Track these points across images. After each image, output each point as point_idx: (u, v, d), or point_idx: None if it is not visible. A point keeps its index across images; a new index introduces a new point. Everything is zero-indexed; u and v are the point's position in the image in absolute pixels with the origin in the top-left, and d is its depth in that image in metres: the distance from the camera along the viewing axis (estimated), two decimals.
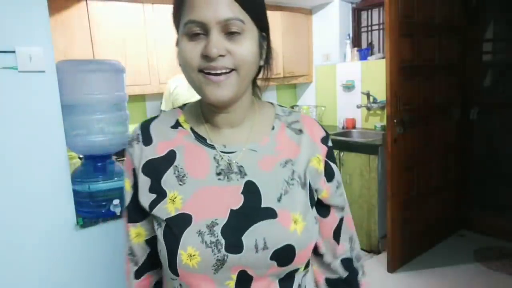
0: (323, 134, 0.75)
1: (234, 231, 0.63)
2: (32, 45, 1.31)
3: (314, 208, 0.71)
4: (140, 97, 3.21)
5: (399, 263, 2.76)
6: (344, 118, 3.74)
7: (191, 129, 0.71)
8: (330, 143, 0.76)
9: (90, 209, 1.50)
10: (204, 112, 0.72)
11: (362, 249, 2.90)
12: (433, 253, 2.96)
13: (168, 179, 0.67)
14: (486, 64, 3.31)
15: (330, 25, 3.80)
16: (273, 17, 3.51)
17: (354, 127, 3.66)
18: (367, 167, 2.94)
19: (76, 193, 1.46)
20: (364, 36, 3.82)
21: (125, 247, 0.76)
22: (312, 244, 0.68)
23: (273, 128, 0.73)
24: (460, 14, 3.04)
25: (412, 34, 2.63)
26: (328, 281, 0.79)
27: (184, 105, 0.77)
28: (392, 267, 2.72)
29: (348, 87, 3.71)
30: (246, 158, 0.69)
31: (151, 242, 0.73)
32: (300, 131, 0.73)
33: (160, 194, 0.67)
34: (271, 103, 0.78)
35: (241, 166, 0.68)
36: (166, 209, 0.65)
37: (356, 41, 3.83)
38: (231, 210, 0.64)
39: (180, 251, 0.62)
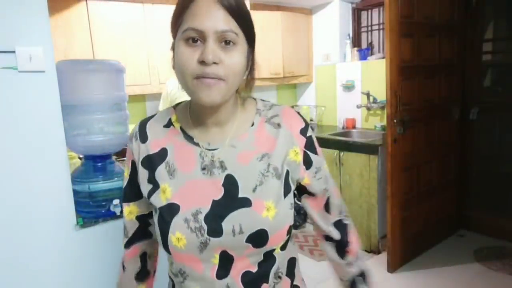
0: (301, 125, 0.81)
1: (215, 219, 0.73)
2: (32, 45, 1.31)
3: (289, 196, 0.78)
4: (140, 97, 3.21)
5: (399, 263, 2.76)
6: (344, 118, 3.74)
7: (181, 128, 0.81)
8: (309, 133, 0.82)
9: (90, 209, 1.50)
10: (193, 113, 0.80)
11: (362, 249, 2.90)
12: (433, 253, 2.96)
13: (160, 173, 0.78)
14: (486, 64, 3.31)
15: (330, 25, 3.80)
16: (273, 17, 3.51)
17: (354, 127, 3.66)
18: (367, 167, 2.94)
19: (76, 193, 1.46)
20: (364, 36, 3.82)
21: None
22: (284, 228, 0.76)
23: (252, 125, 0.80)
24: (460, 14, 3.04)
25: (412, 34, 2.63)
26: (326, 238, 0.91)
27: (178, 104, 0.86)
28: (392, 267, 2.72)
29: (348, 87, 3.71)
30: (226, 154, 0.77)
31: (140, 218, 0.87)
32: (278, 125, 0.80)
33: (155, 185, 0.78)
34: (254, 98, 0.85)
35: (222, 161, 0.76)
36: (160, 199, 0.76)
37: (356, 41, 3.83)
38: (213, 201, 0.74)
39: (170, 234, 0.73)
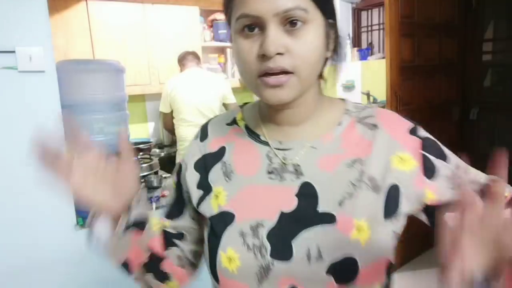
0: (409, 125, 0.62)
1: (283, 236, 0.55)
2: (32, 45, 1.31)
3: (393, 220, 0.58)
4: (140, 97, 3.22)
5: (399, 263, 2.76)
6: None
7: (246, 126, 0.67)
8: (423, 133, 0.62)
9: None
10: (262, 110, 0.66)
11: None
12: (433, 253, 2.95)
13: (214, 174, 0.64)
14: (486, 64, 3.31)
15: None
16: None
17: None
18: None
19: None
20: (364, 36, 3.82)
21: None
22: (380, 261, 0.57)
23: (339, 124, 0.63)
24: (460, 14, 3.04)
25: (412, 34, 2.63)
26: None
27: (245, 103, 0.74)
28: None
29: (348, 87, 3.71)
30: (304, 156, 0.61)
31: (166, 235, 0.69)
32: (374, 126, 0.62)
33: (206, 189, 0.64)
34: (343, 99, 0.69)
35: (298, 165, 0.60)
36: (210, 205, 0.62)
37: (356, 41, 3.83)
38: (282, 213, 0.57)
39: (219, 251, 0.57)
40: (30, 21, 1.30)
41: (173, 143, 3.31)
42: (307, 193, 0.58)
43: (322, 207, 0.56)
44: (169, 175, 2.06)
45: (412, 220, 0.66)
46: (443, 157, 0.62)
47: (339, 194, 0.57)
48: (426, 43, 2.75)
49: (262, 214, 0.58)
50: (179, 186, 0.70)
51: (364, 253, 0.54)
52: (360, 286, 0.54)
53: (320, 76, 0.64)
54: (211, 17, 3.49)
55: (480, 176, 0.63)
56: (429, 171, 0.59)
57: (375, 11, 3.70)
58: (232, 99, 2.80)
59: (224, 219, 0.59)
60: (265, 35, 0.52)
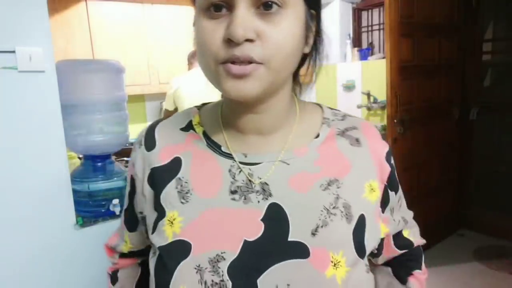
0: (386, 148, 0.57)
1: (246, 271, 0.47)
2: (32, 45, 1.31)
3: (364, 254, 0.52)
4: (140, 97, 3.22)
5: None
6: None
7: (204, 133, 0.57)
8: (392, 160, 0.58)
9: (90, 209, 1.50)
10: (224, 113, 0.56)
11: None
12: (433, 252, 2.96)
13: (168, 194, 0.53)
14: (486, 64, 3.31)
15: (331, 25, 3.80)
16: None
17: None
18: None
19: (75, 192, 1.46)
20: (364, 36, 3.82)
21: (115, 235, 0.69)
22: None
23: (317, 136, 0.55)
24: (460, 14, 3.04)
25: (412, 34, 2.63)
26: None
27: (204, 104, 0.63)
28: None
29: (349, 87, 3.71)
30: (273, 173, 0.52)
31: (138, 254, 0.66)
32: (357, 141, 0.55)
33: (159, 212, 0.53)
34: (318, 105, 0.61)
35: (265, 184, 0.51)
36: (163, 233, 0.51)
37: (356, 41, 3.83)
38: (245, 242, 0.49)
39: None
40: (30, 21, 1.30)
41: None
42: (275, 217, 0.50)
43: (292, 235, 0.48)
44: None
45: None
46: (396, 188, 0.59)
47: (313, 221, 0.49)
48: (426, 43, 2.75)
49: (223, 244, 0.49)
50: (132, 197, 0.61)
51: None
52: None
53: (295, 77, 0.56)
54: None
55: (406, 215, 0.65)
56: (385, 203, 0.56)
57: (376, 11, 3.70)
58: None
59: (179, 250, 0.49)
60: (233, 15, 0.43)
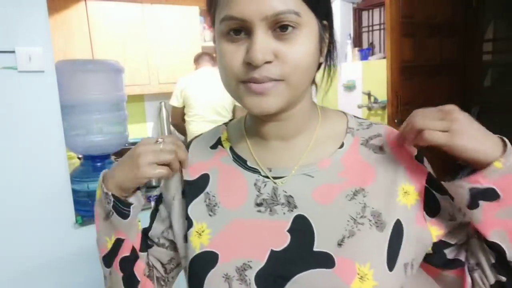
0: (415, 152, 0.56)
1: (273, 280, 0.49)
2: (32, 45, 1.31)
3: (399, 264, 0.50)
4: (139, 97, 3.22)
5: None
6: None
7: (231, 148, 0.60)
8: (426, 163, 0.56)
9: (89, 208, 1.50)
10: (248, 123, 0.59)
11: None
12: None
13: (196, 208, 0.56)
14: (487, 64, 3.31)
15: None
16: None
17: None
18: None
19: (75, 192, 1.46)
20: (365, 36, 3.82)
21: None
22: None
23: (341, 146, 0.55)
24: (460, 14, 3.04)
25: (412, 34, 2.63)
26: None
27: (231, 120, 0.67)
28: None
29: (349, 87, 3.70)
30: (297, 185, 0.53)
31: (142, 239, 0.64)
32: (381, 148, 0.55)
33: (188, 223, 0.56)
34: (343, 113, 0.61)
35: (290, 196, 0.53)
36: (191, 243, 0.54)
37: (357, 41, 3.83)
38: (272, 251, 0.50)
39: None
40: (30, 21, 1.30)
41: None
42: (301, 228, 0.51)
43: (318, 246, 0.49)
44: None
45: None
46: (441, 190, 0.55)
47: (338, 232, 0.49)
48: (426, 43, 2.75)
49: (250, 253, 0.50)
50: (154, 217, 0.64)
51: None
52: None
53: (312, 82, 0.57)
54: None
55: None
56: (432, 208, 0.53)
57: (376, 11, 3.69)
58: None
59: (207, 260, 0.52)
60: (252, 40, 0.46)
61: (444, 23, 2.89)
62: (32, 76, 1.32)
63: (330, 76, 0.57)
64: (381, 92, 3.25)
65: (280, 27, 0.46)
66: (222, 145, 0.61)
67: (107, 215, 0.58)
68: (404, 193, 0.52)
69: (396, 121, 2.57)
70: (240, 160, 0.58)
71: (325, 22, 0.51)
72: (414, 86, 2.70)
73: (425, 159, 0.56)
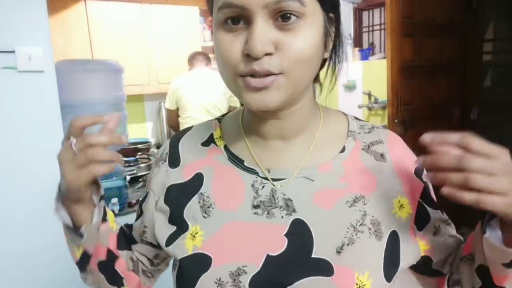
0: (415, 162, 0.53)
1: (268, 286, 0.47)
2: (32, 45, 1.31)
3: (396, 275, 0.50)
4: (139, 97, 3.21)
5: None
6: None
7: (225, 147, 0.56)
8: (425, 176, 0.53)
9: None
10: (246, 120, 0.56)
11: None
12: None
13: (191, 209, 0.53)
14: (487, 64, 3.31)
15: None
16: None
17: None
18: None
19: None
20: (365, 36, 3.82)
21: None
22: None
23: (343, 150, 0.53)
24: (460, 14, 3.04)
25: (413, 34, 2.63)
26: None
27: (224, 115, 0.63)
28: None
29: (350, 87, 3.70)
30: (297, 188, 0.51)
31: (121, 236, 0.62)
32: (382, 156, 0.53)
33: (180, 227, 0.54)
34: (344, 114, 0.59)
35: (289, 199, 0.50)
36: (184, 246, 0.52)
37: (357, 41, 3.83)
38: (268, 256, 0.48)
39: None
40: (30, 21, 1.30)
41: None
42: (299, 233, 0.49)
43: (317, 252, 0.47)
44: None
45: None
46: (433, 204, 0.54)
47: (338, 239, 0.48)
48: (426, 43, 2.75)
49: (245, 257, 0.48)
50: (141, 217, 0.61)
51: None
52: None
53: (315, 80, 0.55)
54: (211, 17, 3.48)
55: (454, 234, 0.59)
56: (421, 221, 0.53)
57: (376, 11, 3.69)
58: (238, 101, 2.79)
59: (199, 263, 0.49)
60: (251, 30, 0.43)
61: (444, 23, 2.89)
62: (32, 76, 1.32)
63: (335, 74, 0.54)
64: (382, 92, 3.25)
65: (282, 16, 0.42)
66: (215, 143, 0.57)
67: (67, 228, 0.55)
68: (399, 206, 0.52)
69: (396, 121, 2.57)
70: (236, 160, 0.55)
71: (331, 15, 0.49)
72: (415, 86, 2.70)
73: (425, 172, 0.54)
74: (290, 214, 0.50)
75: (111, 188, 1.52)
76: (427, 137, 0.47)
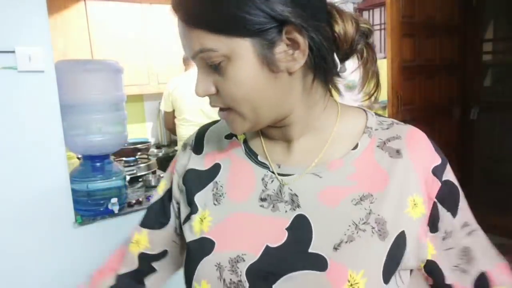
0: (436, 161, 0.51)
1: (264, 275, 0.48)
2: (32, 45, 1.31)
3: (396, 278, 0.50)
4: (139, 97, 3.22)
5: None
6: None
7: (244, 140, 0.60)
8: (447, 176, 0.51)
9: (89, 208, 1.50)
10: None
11: None
12: None
13: (204, 195, 0.57)
14: (486, 64, 3.31)
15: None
16: None
17: None
18: None
19: (74, 192, 1.46)
20: None
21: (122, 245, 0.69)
22: None
23: (355, 147, 0.53)
24: (460, 14, 3.04)
25: (413, 34, 2.63)
26: None
27: None
28: None
29: (350, 87, 3.70)
30: (304, 184, 0.52)
31: (143, 259, 0.64)
32: (398, 152, 0.51)
33: (193, 209, 0.57)
34: (364, 110, 0.58)
35: (295, 195, 0.52)
36: (192, 229, 0.55)
37: None
38: (267, 247, 0.49)
39: (194, 283, 0.52)
40: (30, 21, 1.30)
41: (171, 143, 3.31)
42: (300, 228, 0.50)
43: (314, 247, 0.48)
44: None
45: None
46: (454, 209, 0.52)
47: (337, 236, 0.48)
48: (426, 43, 2.75)
49: (245, 246, 0.50)
50: (169, 196, 0.64)
51: None
52: None
53: (326, 82, 0.54)
54: None
55: (485, 246, 0.56)
56: (434, 223, 0.51)
57: (377, 11, 3.69)
58: None
59: (203, 246, 0.52)
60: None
61: (444, 23, 2.89)
62: (32, 76, 1.32)
63: (331, 79, 0.54)
64: (382, 92, 3.25)
65: (210, 65, 0.47)
66: (236, 137, 0.61)
67: None
68: (414, 205, 0.50)
69: None
70: (251, 154, 0.57)
71: (288, 27, 0.45)
72: (415, 86, 2.70)
73: (447, 170, 0.52)
74: (294, 209, 0.51)
75: (111, 188, 1.52)
76: None
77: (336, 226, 0.49)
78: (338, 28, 0.51)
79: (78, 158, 1.87)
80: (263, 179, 0.55)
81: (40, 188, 1.37)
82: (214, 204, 0.55)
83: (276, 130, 0.55)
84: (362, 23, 0.54)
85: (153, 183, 1.88)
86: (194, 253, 0.53)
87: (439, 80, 2.92)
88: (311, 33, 0.46)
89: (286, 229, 0.50)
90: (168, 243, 0.64)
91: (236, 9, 0.43)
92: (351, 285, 0.45)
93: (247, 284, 0.48)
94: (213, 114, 2.61)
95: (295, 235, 0.50)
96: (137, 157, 2.22)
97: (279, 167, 0.55)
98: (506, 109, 3.16)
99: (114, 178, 1.53)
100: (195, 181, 0.59)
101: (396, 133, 0.53)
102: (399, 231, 0.48)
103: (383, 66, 2.66)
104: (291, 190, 0.52)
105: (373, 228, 0.48)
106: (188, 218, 0.57)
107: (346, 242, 0.47)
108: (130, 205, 1.61)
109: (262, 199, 0.53)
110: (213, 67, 0.46)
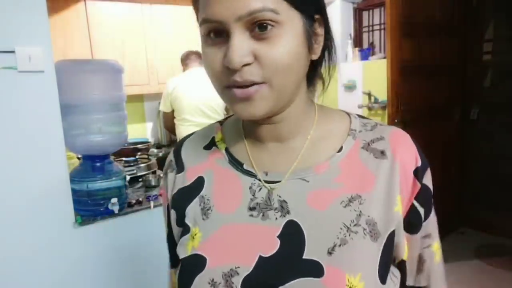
0: (418, 163, 0.53)
1: (259, 287, 0.47)
2: (32, 45, 1.31)
3: (390, 277, 0.50)
4: (139, 97, 3.22)
5: None
6: None
7: (226, 149, 0.58)
8: (427, 179, 0.53)
9: (89, 208, 1.50)
10: (246, 124, 0.57)
11: None
12: None
13: (192, 212, 0.55)
14: (486, 64, 3.31)
15: (332, 25, 3.79)
16: None
17: None
18: None
19: (74, 192, 1.46)
20: (365, 36, 3.82)
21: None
22: None
23: (340, 150, 0.53)
24: (460, 14, 3.04)
25: (413, 34, 2.63)
26: None
27: (226, 118, 0.64)
28: None
29: (350, 87, 3.70)
30: (292, 190, 0.51)
31: None
32: (382, 153, 0.52)
33: (184, 228, 0.56)
34: (346, 113, 0.58)
35: (284, 201, 0.51)
36: (185, 247, 0.53)
37: (357, 41, 3.83)
38: (260, 257, 0.48)
39: None
40: (30, 21, 1.30)
41: (171, 143, 3.32)
42: (291, 234, 0.49)
43: (308, 254, 0.47)
44: None
45: None
46: (427, 214, 0.53)
47: (330, 240, 0.47)
48: (426, 43, 2.75)
49: (238, 259, 0.49)
50: (170, 227, 0.62)
51: None
52: None
53: (309, 81, 0.56)
54: None
55: (434, 255, 0.56)
56: (411, 224, 0.51)
57: (377, 11, 3.69)
58: None
59: (195, 263, 0.51)
60: (229, 43, 0.44)
61: (444, 23, 2.89)
62: (32, 76, 1.32)
63: (330, 74, 0.56)
64: (382, 92, 3.25)
65: (258, 26, 0.44)
66: (216, 146, 0.59)
67: None
68: (401, 203, 0.51)
69: (396, 121, 2.57)
70: (236, 163, 0.56)
71: (317, 16, 0.49)
72: (414, 86, 2.70)
73: (426, 173, 0.53)
74: (284, 216, 0.50)
75: (111, 188, 1.52)
76: None
77: (328, 230, 0.48)
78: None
79: (78, 158, 1.87)
80: (250, 187, 0.53)
81: (40, 188, 1.37)
82: (203, 219, 0.54)
83: (267, 128, 0.53)
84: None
85: (153, 183, 1.88)
86: (186, 271, 0.51)
87: (439, 80, 2.92)
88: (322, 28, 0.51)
89: (278, 236, 0.49)
90: None
91: None
92: None
93: None
94: (213, 114, 2.61)
95: (287, 242, 0.49)
96: (137, 157, 2.22)
97: (266, 174, 0.54)
98: (506, 109, 3.16)
99: (114, 178, 1.53)
100: (183, 199, 0.57)
101: (380, 134, 0.54)
102: (390, 231, 0.49)
103: (383, 66, 2.67)
104: (279, 196, 0.52)
105: (364, 229, 0.48)
106: (180, 237, 0.56)
107: (340, 245, 0.47)
108: (130, 205, 1.61)
109: (251, 208, 0.52)
110: (256, 34, 0.44)
